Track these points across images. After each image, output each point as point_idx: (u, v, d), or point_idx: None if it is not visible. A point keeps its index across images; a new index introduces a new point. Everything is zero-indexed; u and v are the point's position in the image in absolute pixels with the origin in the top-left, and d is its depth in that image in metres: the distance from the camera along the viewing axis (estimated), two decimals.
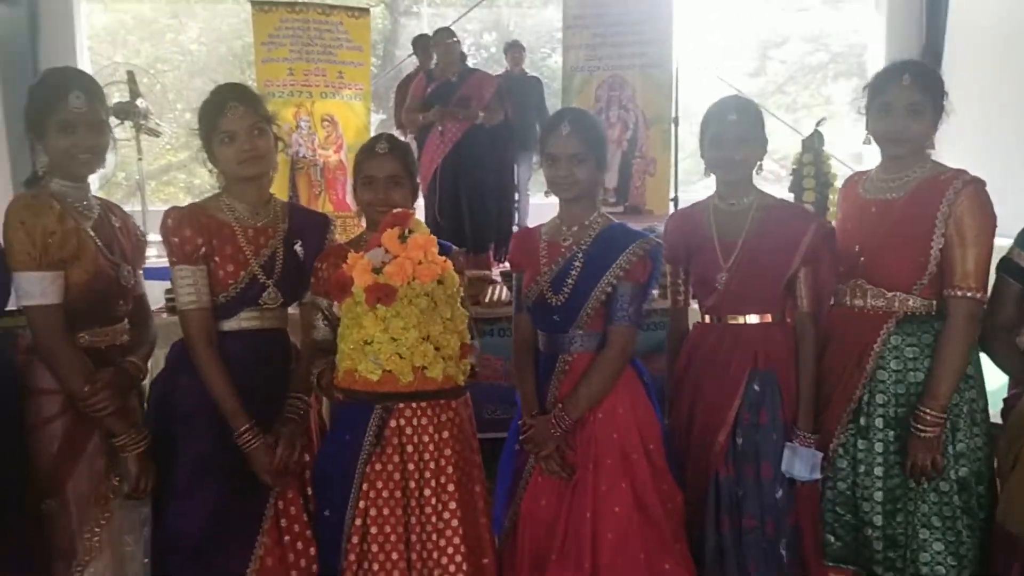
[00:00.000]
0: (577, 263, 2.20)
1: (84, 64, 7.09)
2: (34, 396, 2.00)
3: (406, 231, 1.95)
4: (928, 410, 2.13)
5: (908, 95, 2.15)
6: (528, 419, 2.23)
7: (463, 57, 5.37)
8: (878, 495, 2.23)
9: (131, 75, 5.64)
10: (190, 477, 2.07)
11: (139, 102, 5.49)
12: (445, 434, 2.15)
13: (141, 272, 2.29)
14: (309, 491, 2.22)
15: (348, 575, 2.09)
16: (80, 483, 2.01)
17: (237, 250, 2.11)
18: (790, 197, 4.25)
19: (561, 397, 2.22)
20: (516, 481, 2.30)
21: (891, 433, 2.22)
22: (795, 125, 7.03)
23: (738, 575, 2.26)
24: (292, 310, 2.30)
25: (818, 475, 2.23)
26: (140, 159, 5.77)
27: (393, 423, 2.11)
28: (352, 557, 2.09)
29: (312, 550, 2.18)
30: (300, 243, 2.21)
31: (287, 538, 2.15)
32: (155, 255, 3.24)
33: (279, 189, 4.96)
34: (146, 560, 2.13)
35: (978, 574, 2.21)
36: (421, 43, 6.20)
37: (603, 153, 2.23)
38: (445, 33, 5.25)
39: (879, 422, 2.23)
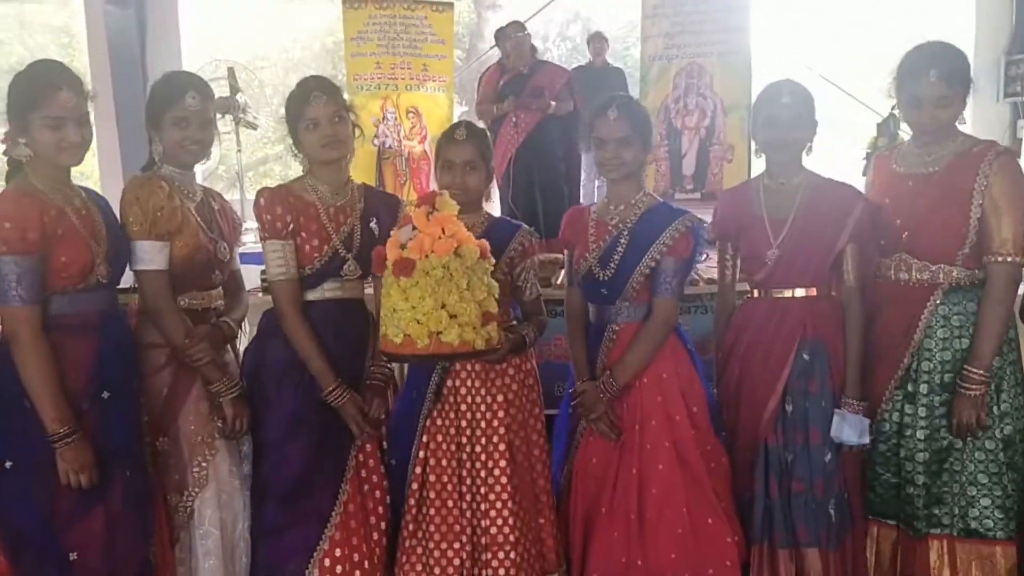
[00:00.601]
0: (623, 240, 2.38)
1: (187, 61, 7.55)
2: (144, 350, 2.30)
3: (432, 209, 2.15)
4: (974, 370, 2.25)
5: (936, 90, 2.25)
6: (579, 385, 2.41)
7: (534, 50, 5.54)
8: (920, 456, 2.35)
9: (231, 71, 6.01)
10: (283, 431, 2.33)
11: (239, 97, 5.84)
12: (500, 398, 2.36)
13: (237, 249, 2.58)
14: (384, 445, 2.46)
15: (408, 519, 2.33)
16: (187, 423, 2.31)
17: (320, 227, 2.34)
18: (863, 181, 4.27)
19: (609, 364, 2.40)
20: (570, 443, 2.49)
21: (936, 399, 2.33)
22: (880, 109, 6.97)
23: (786, 537, 2.39)
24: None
25: (866, 440, 2.36)
26: (239, 151, 6.13)
27: (449, 383, 2.35)
28: (412, 502, 2.34)
29: (388, 498, 2.41)
30: (375, 220, 2.43)
31: (366, 487, 2.39)
32: (252, 241, 3.54)
33: (366, 178, 5.22)
34: (247, 492, 2.41)
35: None
36: (503, 35, 6.40)
37: (648, 136, 2.41)
38: (515, 27, 5.42)
39: (924, 388, 2.34)
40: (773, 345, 2.42)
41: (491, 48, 6.97)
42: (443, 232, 2.10)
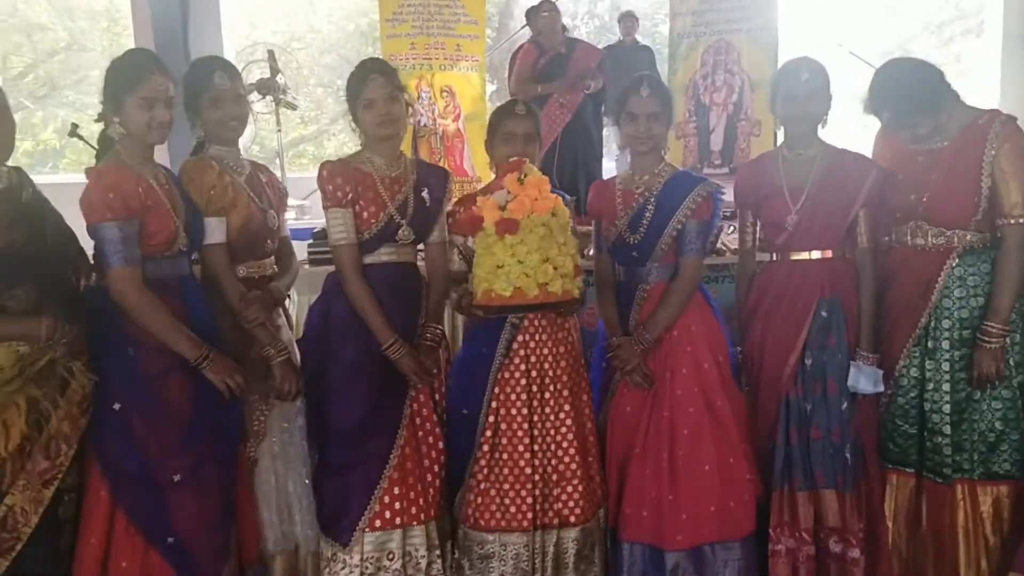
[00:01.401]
0: (650, 207, 2.63)
1: (227, 43, 7.82)
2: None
3: (523, 175, 2.39)
4: (993, 324, 2.48)
5: (896, 122, 2.54)
6: (614, 340, 2.66)
7: (564, 28, 5.71)
8: (947, 407, 2.57)
9: (271, 53, 6.25)
10: (345, 380, 2.59)
11: (278, 78, 6.07)
12: (560, 349, 2.64)
13: (285, 218, 2.86)
14: (436, 397, 2.72)
15: (482, 464, 2.60)
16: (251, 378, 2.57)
17: (377, 195, 2.58)
18: None
19: (641, 320, 2.65)
20: (603, 394, 2.75)
21: (956, 353, 2.56)
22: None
23: (804, 480, 2.64)
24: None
25: (881, 388, 2.61)
26: (279, 130, 6.38)
27: (520, 338, 2.61)
28: (485, 448, 2.60)
29: (440, 444, 2.68)
30: (426, 190, 2.67)
31: (420, 432, 2.66)
32: (293, 218, 3.79)
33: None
34: (303, 442, 2.69)
35: None
36: (534, 14, 6.59)
37: (671, 113, 2.68)
38: (547, 5, 5.57)
39: (945, 344, 2.56)
40: (794, 304, 2.65)
41: (521, 28, 7.17)
42: (539, 194, 2.35)
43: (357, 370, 2.58)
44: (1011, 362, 2.53)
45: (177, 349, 2.32)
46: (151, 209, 2.34)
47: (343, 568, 2.56)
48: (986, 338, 2.49)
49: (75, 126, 3.81)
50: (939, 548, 2.62)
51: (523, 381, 2.62)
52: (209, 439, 2.42)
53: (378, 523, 2.56)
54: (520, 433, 2.60)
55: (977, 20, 10.10)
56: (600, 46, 6.27)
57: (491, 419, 2.62)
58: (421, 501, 2.62)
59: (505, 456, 2.60)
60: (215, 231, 2.54)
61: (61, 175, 9.17)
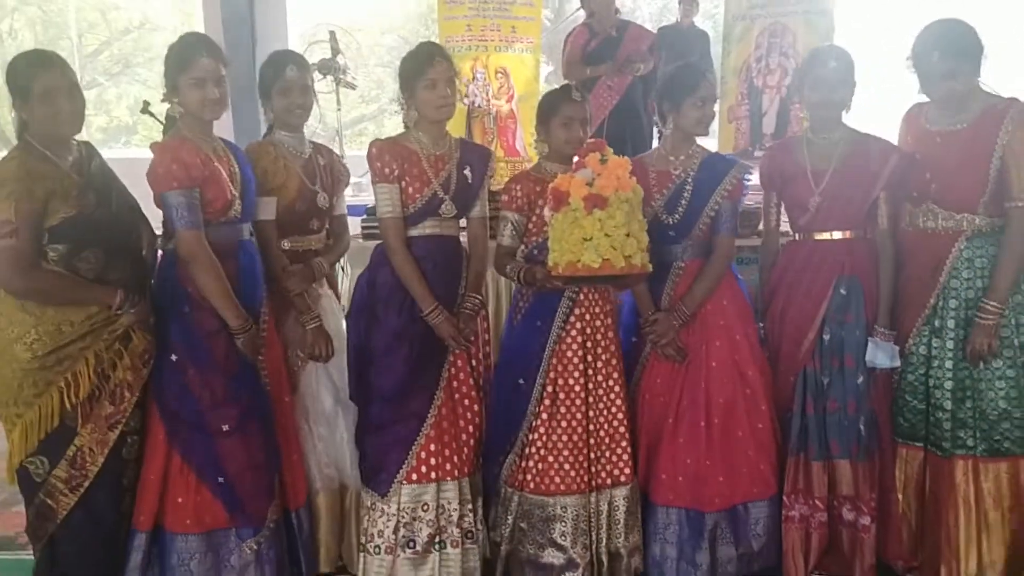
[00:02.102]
0: (688, 187, 2.78)
1: (292, 23, 8.09)
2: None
3: (604, 155, 2.58)
4: (990, 302, 2.57)
5: (940, 67, 2.55)
6: (651, 316, 2.81)
7: (617, 10, 5.80)
8: (948, 384, 2.68)
9: (332, 34, 6.46)
10: (388, 343, 2.78)
11: (339, 59, 6.29)
12: (608, 320, 2.84)
13: (341, 198, 3.09)
14: (474, 363, 2.90)
15: (541, 430, 2.78)
16: (288, 343, 2.86)
17: (422, 172, 2.76)
18: None
19: (677, 296, 2.80)
20: (632, 367, 2.91)
21: (961, 332, 2.66)
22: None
23: (820, 450, 2.78)
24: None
25: (897, 363, 2.72)
26: (339, 110, 6.61)
27: (577, 311, 2.79)
28: (544, 416, 2.78)
29: (475, 406, 2.86)
30: (469, 168, 2.84)
31: (457, 395, 2.85)
32: (350, 195, 4.01)
33: (457, 135, 5.62)
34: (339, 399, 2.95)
35: None
36: None
37: None
38: None
39: (951, 323, 2.66)
40: (814, 282, 2.79)
41: (577, 10, 7.27)
42: (622, 173, 2.53)
43: (399, 335, 2.77)
44: (1016, 342, 2.61)
45: (223, 315, 2.56)
46: (209, 179, 2.57)
47: (381, 516, 2.78)
48: (982, 315, 2.59)
49: (147, 103, 4.07)
50: (939, 520, 2.73)
51: (579, 351, 2.79)
52: (252, 392, 2.66)
53: (414, 476, 2.77)
54: (578, 401, 2.78)
55: None
56: (660, 26, 6.32)
57: (549, 389, 2.79)
58: (455, 458, 2.81)
59: (564, 424, 2.78)
60: (265, 208, 2.81)
61: (133, 150, 9.57)
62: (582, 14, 6.90)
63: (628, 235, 2.50)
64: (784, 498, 2.83)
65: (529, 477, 2.80)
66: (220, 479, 2.60)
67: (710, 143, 5.90)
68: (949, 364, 2.68)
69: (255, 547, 2.65)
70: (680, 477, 2.80)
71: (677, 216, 2.80)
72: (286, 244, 2.88)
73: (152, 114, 4.10)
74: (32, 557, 2.84)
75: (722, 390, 2.79)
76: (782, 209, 2.95)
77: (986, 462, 2.68)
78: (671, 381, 2.84)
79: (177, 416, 2.58)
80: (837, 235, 2.79)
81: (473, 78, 6.51)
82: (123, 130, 10.62)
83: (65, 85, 2.42)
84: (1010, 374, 2.63)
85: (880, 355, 2.71)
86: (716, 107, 2.87)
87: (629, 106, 5.53)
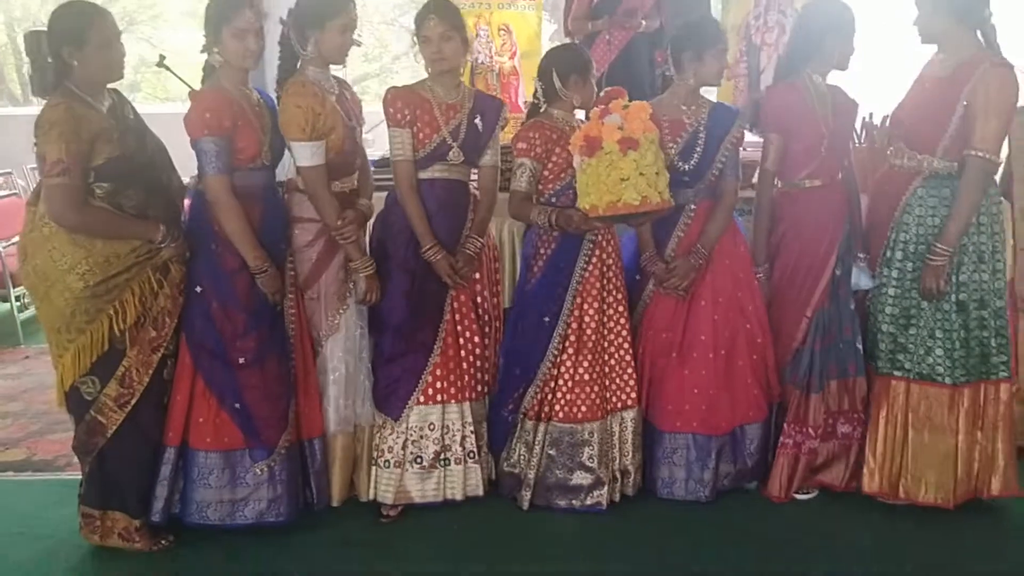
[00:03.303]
0: (701, 136, 3.06)
1: None
2: (296, 223, 3.03)
3: (625, 101, 2.86)
4: (939, 245, 2.85)
5: (921, 4, 2.85)
6: (670, 263, 3.09)
7: None
8: (888, 309, 3.02)
9: None
10: (396, 279, 3.06)
11: None
12: (616, 257, 3.16)
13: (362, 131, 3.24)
14: (478, 299, 3.18)
15: (568, 364, 3.08)
16: (329, 284, 3.06)
17: (432, 119, 3.00)
18: None
19: (689, 237, 3.10)
20: (634, 304, 3.21)
21: (908, 264, 2.96)
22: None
23: (819, 383, 3.14)
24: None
25: (874, 284, 3.07)
26: (344, 67, 6.78)
27: (597, 252, 3.09)
28: (571, 351, 3.08)
29: (476, 338, 3.14)
30: (480, 118, 3.07)
31: (459, 328, 3.13)
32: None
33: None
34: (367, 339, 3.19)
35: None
36: None
37: None
38: None
39: (899, 255, 2.97)
40: (826, 226, 3.09)
41: None
42: (646, 115, 2.80)
43: (406, 270, 3.05)
44: (954, 280, 2.89)
45: (244, 255, 2.79)
46: (241, 128, 2.79)
47: (391, 434, 3.09)
48: (932, 256, 2.86)
49: (162, 57, 4.28)
50: (874, 430, 3.10)
51: (598, 286, 3.10)
52: (271, 328, 2.92)
53: (422, 399, 3.07)
54: (596, 336, 3.10)
55: None
56: None
57: (574, 325, 3.09)
58: (459, 383, 3.11)
59: (589, 356, 3.09)
60: (316, 154, 2.86)
61: (137, 106, 9.76)
62: None
63: (657, 173, 2.79)
64: (784, 426, 3.16)
65: (558, 408, 3.09)
66: (237, 405, 2.87)
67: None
68: (892, 292, 3.00)
69: (266, 468, 2.91)
70: (687, 405, 3.12)
71: (692, 163, 3.07)
72: (334, 187, 2.95)
73: (168, 67, 4.32)
74: (70, 477, 3.19)
75: (727, 324, 3.11)
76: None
77: (918, 384, 2.99)
78: (674, 317, 3.13)
79: (201, 345, 2.84)
80: (838, 177, 3.12)
81: (476, 35, 6.69)
82: (127, 87, 10.72)
83: (116, 33, 2.68)
84: (946, 307, 2.91)
85: (864, 278, 3.06)
86: (713, 55, 3.08)
87: (627, 62, 5.70)
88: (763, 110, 3.13)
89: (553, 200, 3.06)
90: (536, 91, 3.13)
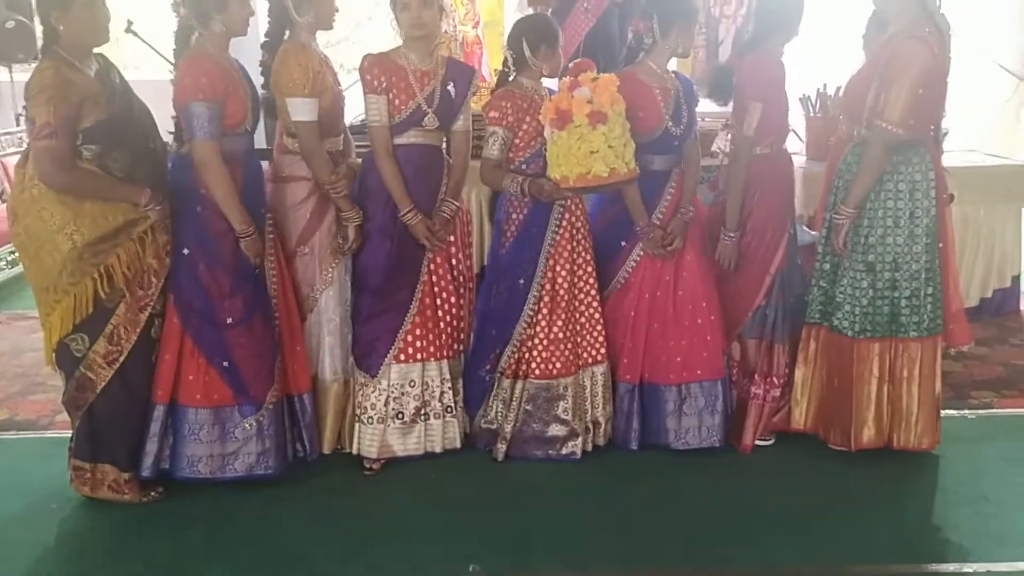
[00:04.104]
0: (682, 100, 3.26)
1: None
2: (288, 182, 3.19)
3: (594, 74, 2.98)
4: (841, 206, 3.09)
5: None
6: (666, 226, 3.28)
7: None
8: (826, 266, 3.26)
9: None
10: (374, 240, 3.18)
11: None
12: (584, 220, 3.33)
13: None
14: (453, 261, 3.31)
15: (543, 323, 3.24)
16: (323, 239, 3.22)
17: (408, 85, 3.11)
18: None
19: (675, 198, 3.30)
20: (619, 266, 3.37)
21: (829, 215, 3.20)
22: None
23: (782, 332, 3.38)
24: None
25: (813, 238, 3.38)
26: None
27: (567, 216, 3.24)
28: (545, 311, 3.25)
29: (452, 299, 3.29)
30: (452, 85, 3.18)
31: (436, 288, 3.27)
32: None
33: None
34: None
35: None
36: None
37: None
38: None
39: (827, 215, 3.20)
40: (787, 189, 3.37)
41: None
42: (613, 88, 2.93)
43: (383, 232, 3.17)
44: (862, 241, 3.10)
45: (230, 219, 2.91)
46: (231, 93, 2.90)
47: (373, 391, 3.22)
48: (836, 216, 3.11)
49: (130, 22, 4.30)
50: (799, 373, 3.38)
51: (568, 248, 3.26)
52: (255, 289, 3.04)
53: (402, 357, 3.21)
54: (569, 295, 3.27)
55: None
56: None
57: (548, 286, 3.25)
58: (437, 342, 3.27)
59: (562, 315, 3.26)
60: (311, 110, 3.03)
61: None
62: None
63: (625, 144, 2.94)
64: (755, 377, 3.39)
65: (534, 365, 3.26)
66: (225, 363, 2.99)
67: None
68: (821, 249, 3.27)
69: (255, 423, 3.04)
70: (687, 356, 3.30)
71: (682, 126, 3.26)
72: (325, 145, 3.12)
73: (136, 33, 4.36)
74: (54, 435, 3.29)
75: (698, 282, 3.32)
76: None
77: (829, 334, 3.25)
78: (662, 277, 3.32)
79: (189, 306, 2.95)
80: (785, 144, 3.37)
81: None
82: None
83: None
84: (858, 266, 3.13)
85: (807, 236, 3.38)
86: (696, 27, 3.30)
87: (602, 31, 5.82)
88: (744, 79, 3.24)
89: (524, 167, 3.20)
90: (506, 60, 3.24)
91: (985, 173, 4.77)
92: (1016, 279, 4.88)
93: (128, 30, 4.37)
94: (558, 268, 3.24)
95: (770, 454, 3.37)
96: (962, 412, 3.67)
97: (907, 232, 3.06)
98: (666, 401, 3.32)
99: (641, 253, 3.30)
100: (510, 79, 3.25)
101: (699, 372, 3.31)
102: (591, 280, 3.32)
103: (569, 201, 3.24)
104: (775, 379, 3.38)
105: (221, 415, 3.03)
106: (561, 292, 3.25)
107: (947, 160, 4.79)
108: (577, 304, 3.30)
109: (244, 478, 3.05)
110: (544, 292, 3.24)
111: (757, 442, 3.40)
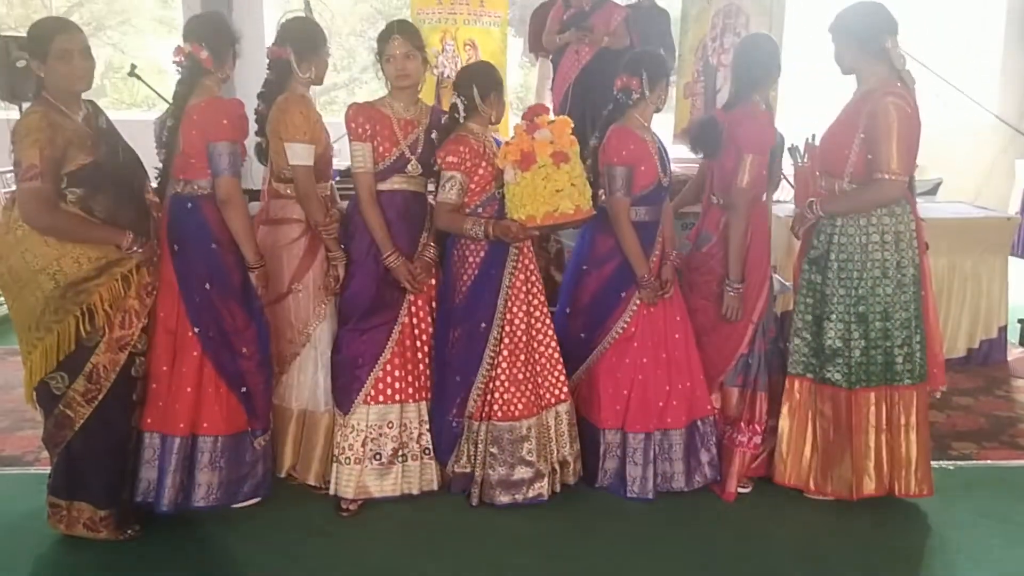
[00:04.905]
0: (664, 153, 3.37)
1: None
2: (283, 224, 3.34)
3: (550, 117, 3.13)
4: (823, 213, 3.20)
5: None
6: (659, 274, 3.37)
7: None
8: (799, 315, 3.36)
9: (307, 3, 6.85)
10: (356, 278, 3.27)
11: None
12: (535, 262, 3.39)
13: None
14: (433, 304, 3.38)
15: (504, 365, 3.29)
16: (316, 276, 3.35)
17: (392, 133, 3.21)
18: None
19: (663, 245, 3.42)
20: (619, 315, 3.41)
21: (817, 277, 3.27)
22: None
23: (764, 381, 3.43)
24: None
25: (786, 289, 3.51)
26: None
27: (521, 258, 3.31)
28: (506, 352, 3.29)
29: (430, 329, 3.36)
30: (436, 133, 3.29)
31: (416, 331, 3.34)
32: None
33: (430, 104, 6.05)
34: None
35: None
36: None
37: None
38: None
39: (807, 266, 3.29)
40: (767, 236, 3.45)
41: None
42: (568, 130, 3.08)
43: (366, 273, 3.25)
44: (857, 291, 3.13)
45: (246, 251, 3.08)
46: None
47: (352, 432, 3.27)
48: (811, 212, 3.23)
49: (134, 66, 4.45)
50: (784, 428, 3.38)
51: (524, 289, 3.32)
52: (259, 319, 3.19)
53: (381, 398, 3.26)
54: (527, 335, 3.32)
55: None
56: (625, 3, 6.70)
57: (507, 328, 3.29)
58: (417, 384, 3.32)
59: (522, 356, 3.30)
60: (309, 155, 3.21)
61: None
62: None
63: (584, 183, 3.09)
64: (741, 425, 3.42)
65: (496, 407, 3.29)
66: (244, 389, 3.14)
67: (667, 118, 6.43)
68: (804, 300, 3.30)
69: (262, 444, 3.22)
70: (674, 400, 3.38)
71: (669, 178, 3.39)
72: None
73: (140, 77, 4.50)
74: (38, 472, 3.34)
75: (686, 326, 3.43)
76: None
77: (819, 386, 3.28)
78: (653, 324, 3.39)
79: (212, 337, 3.08)
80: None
81: (443, 49, 6.93)
82: (94, 92, 10.78)
83: (79, 46, 2.83)
84: (845, 318, 3.18)
85: (778, 284, 3.47)
86: (672, 84, 3.38)
87: (591, 75, 5.96)
88: (735, 132, 3.30)
89: (479, 211, 3.26)
90: (455, 106, 3.27)
91: (972, 224, 4.82)
92: (1003, 330, 4.92)
93: (132, 74, 4.52)
94: (515, 309, 3.30)
95: (748, 501, 3.39)
96: (941, 463, 3.67)
97: (895, 281, 3.12)
98: (677, 445, 3.39)
99: (638, 301, 3.36)
100: (460, 123, 3.28)
101: (698, 411, 3.40)
102: (547, 320, 3.37)
103: (523, 243, 3.30)
104: (757, 426, 3.41)
105: (238, 440, 3.19)
106: (519, 333, 3.30)
107: (935, 211, 4.94)
108: (536, 345, 3.35)
109: (249, 500, 3.25)
110: (504, 334, 3.29)
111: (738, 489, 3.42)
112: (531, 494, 3.31)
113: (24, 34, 2.88)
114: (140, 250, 2.91)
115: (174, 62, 3.11)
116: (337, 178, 4.83)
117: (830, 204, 3.12)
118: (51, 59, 2.78)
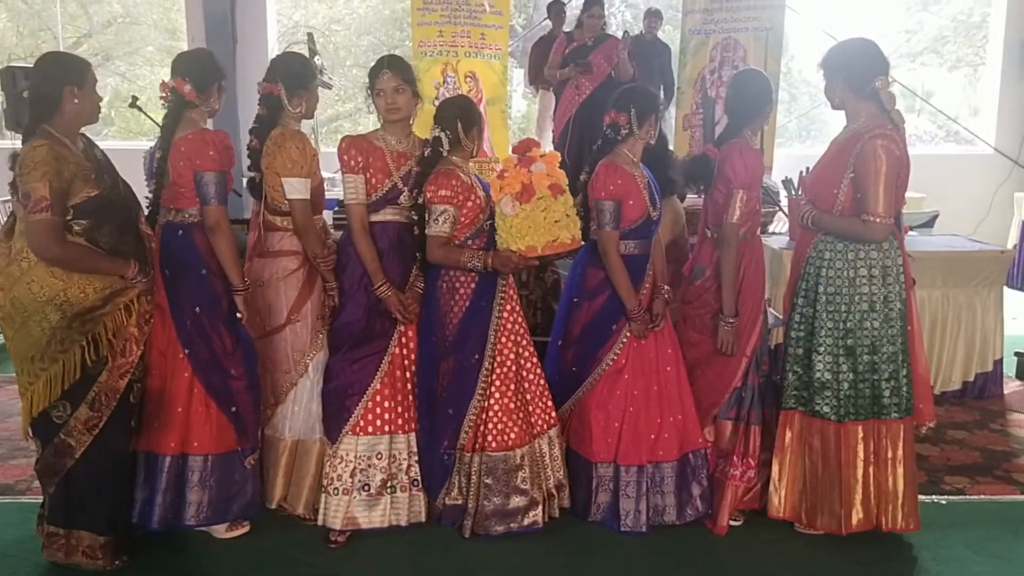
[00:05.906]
0: (653, 188, 3.41)
1: (271, 22, 8.56)
2: (279, 256, 3.39)
3: (541, 150, 3.22)
4: (812, 222, 3.25)
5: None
6: (643, 311, 3.38)
7: (604, 26, 6.42)
8: (791, 349, 3.38)
9: (310, 36, 6.97)
10: (347, 308, 3.31)
11: (316, 59, 6.79)
12: (518, 295, 3.44)
13: None
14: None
15: (496, 395, 3.31)
16: (314, 307, 3.41)
17: (384, 165, 3.27)
18: None
19: (652, 279, 3.45)
20: (610, 347, 3.43)
21: (809, 310, 3.27)
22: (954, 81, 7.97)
23: (759, 415, 3.44)
24: None
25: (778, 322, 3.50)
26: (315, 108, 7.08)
27: (508, 290, 3.37)
28: (498, 383, 3.33)
29: (413, 355, 3.38)
30: (415, 168, 3.31)
31: (406, 361, 3.36)
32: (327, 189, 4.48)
33: (428, 134, 6.13)
34: None
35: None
36: (555, 8, 7.26)
37: None
38: (597, 8, 6.30)
39: (800, 301, 3.31)
40: (762, 270, 3.47)
41: (543, 20, 7.79)
42: (557, 163, 3.18)
43: (357, 303, 3.30)
44: (845, 325, 3.16)
45: (232, 276, 3.17)
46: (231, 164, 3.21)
47: (340, 462, 3.29)
48: (803, 211, 3.28)
49: (135, 98, 4.54)
50: (777, 461, 3.39)
51: (511, 320, 3.38)
52: (247, 342, 3.28)
53: (370, 429, 3.29)
54: (517, 365, 3.37)
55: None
56: (626, 34, 6.80)
57: (499, 359, 3.34)
58: (406, 415, 3.35)
59: (512, 386, 3.34)
60: (306, 188, 3.30)
61: (110, 141, 9.97)
62: (549, 23, 7.48)
63: (576, 214, 3.20)
64: (734, 459, 3.43)
65: (490, 438, 3.32)
66: (233, 409, 3.21)
67: None
68: (793, 334, 3.33)
69: (252, 463, 3.27)
70: (666, 433, 3.40)
71: (657, 211, 3.42)
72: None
73: (141, 108, 4.57)
74: (30, 500, 3.41)
75: (678, 360, 3.46)
76: None
77: (808, 419, 3.29)
78: (643, 356, 3.41)
79: (202, 359, 3.16)
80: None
81: (444, 81, 7.04)
82: (101, 121, 10.95)
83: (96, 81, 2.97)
84: (833, 351, 3.20)
85: (773, 319, 3.45)
86: (672, 115, 3.43)
87: (597, 110, 6.04)
88: (726, 167, 3.33)
89: (469, 243, 3.31)
90: (438, 139, 3.28)
91: (966, 257, 4.84)
92: (998, 363, 4.92)
93: (132, 105, 4.60)
94: (504, 339, 3.34)
95: (739, 534, 3.39)
96: (932, 497, 3.68)
97: (882, 316, 3.15)
98: (669, 477, 3.40)
99: (628, 334, 3.39)
100: (443, 156, 3.30)
101: (690, 444, 3.42)
102: (531, 348, 3.43)
103: (511, 276, 3.38)
104: (751, 460, 3.42)
105: (228, 459, 3.24)
106: (508, 363, 3.34)
107: (930, 244, 4.96)
108: (525, 373, 3.39)
109: (238, 518, 3.30)
110: (495, 364, 3.33)
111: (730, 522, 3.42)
112: (526, 522, 3.33)
113: (31, 64, 2.99)
114: (143, 279, 2.98)
115: (160, 97, 3.21)
116: (335, 208, 4.92)
117: (819, 219, 3.16)
118: (88, 87, 2.91)
